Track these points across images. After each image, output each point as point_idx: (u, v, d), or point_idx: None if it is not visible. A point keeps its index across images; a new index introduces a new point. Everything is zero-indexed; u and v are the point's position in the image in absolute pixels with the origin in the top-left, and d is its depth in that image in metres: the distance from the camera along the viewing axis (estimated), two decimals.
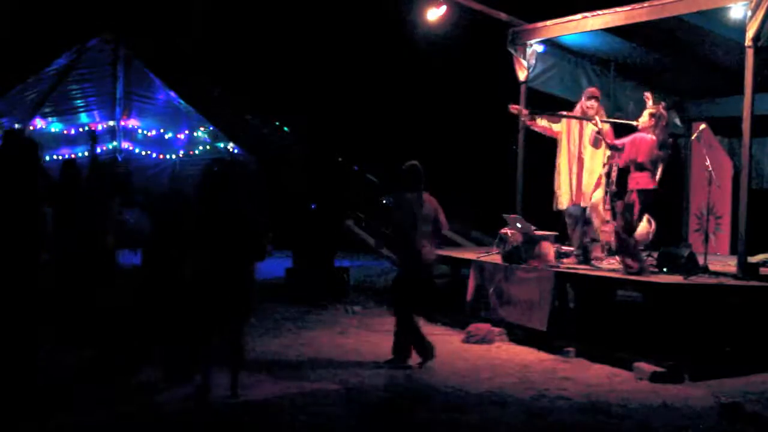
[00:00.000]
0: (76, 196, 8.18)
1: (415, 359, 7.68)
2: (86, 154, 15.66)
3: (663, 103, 8.54)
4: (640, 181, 8.20)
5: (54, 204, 7.75)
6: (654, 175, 8.34)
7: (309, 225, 12.48)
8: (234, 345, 6.59)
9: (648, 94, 8.68)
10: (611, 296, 9.31)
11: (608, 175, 9.08)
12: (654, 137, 8.20)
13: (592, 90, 9.52)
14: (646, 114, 8.37)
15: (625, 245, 8.29)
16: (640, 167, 8.20)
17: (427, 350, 7.63)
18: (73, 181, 8.32)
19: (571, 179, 9.49)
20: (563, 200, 9.59)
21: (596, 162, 9.33)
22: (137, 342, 7.26)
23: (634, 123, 8.58)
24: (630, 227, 8.24)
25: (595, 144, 9.25)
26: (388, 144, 18.87)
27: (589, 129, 9.31)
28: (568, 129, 9.57)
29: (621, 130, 9.26)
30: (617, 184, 9.01)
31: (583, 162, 9.42)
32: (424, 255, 7.62)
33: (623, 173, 8.94)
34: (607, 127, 9.17)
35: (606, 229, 9.24)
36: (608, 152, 9.16)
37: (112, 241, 8.06)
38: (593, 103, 9.32)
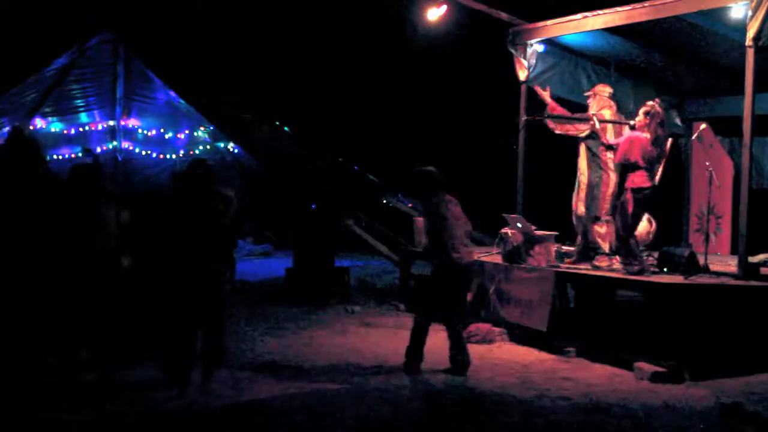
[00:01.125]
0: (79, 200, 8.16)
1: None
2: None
3: (657, 100, 8.53)
4: (635, 179, 8.20)
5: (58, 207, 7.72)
6: (651, 173, 8.33)
7: (309, 225, 12.47)
8: (212, 342, 6.62)
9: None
10: (612, 296, 9.31)
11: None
12: (648, 135, 8.20)
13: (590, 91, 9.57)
14: (641, 113, 8.37)
15: (624, 245, 8.29)
16: (634, 166, 8.21)
17: (415, 360, 7.45)
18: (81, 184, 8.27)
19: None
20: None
21: (593, 174, 9.32)
22: (134, 341, 7.27)
23: (631, 123, 8.58)
24: (627, 227, 8.23)
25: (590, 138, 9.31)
26: (388, 144, 18.89)
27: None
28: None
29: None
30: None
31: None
32: (460, 259, 7.36)
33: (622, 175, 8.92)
34: (609, 127, 9.16)
35: (608, 231, 9.23)
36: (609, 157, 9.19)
37: (114, 245, 8.04)
38: (588, 101, 9.37)
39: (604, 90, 9.40)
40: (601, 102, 9.25)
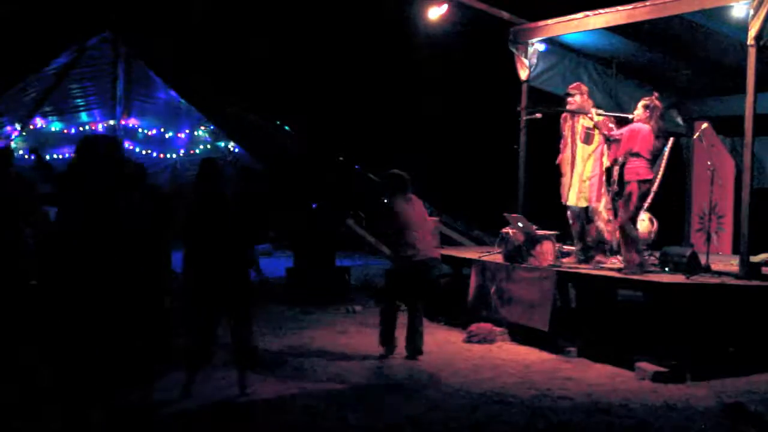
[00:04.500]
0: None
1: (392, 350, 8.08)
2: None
3: (656, 94, 8.53)
4: (639, 171, 8.19)
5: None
6: (651, 166, 8.33)
7: (309, 225, 12.45)
8: (241, 341, 6.58)
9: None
10: (613, 296, 9.29)
11: (609, 173, 9.05)
12: (650, 127, 8.22)
13: (570, 87, 9.44)
14: (640, 106, 8.37)
15: (627, 237, 8.25)
16: (638, 157, 8.20)
17: (388, 346, 8.07)
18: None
19: (566, 177, 9.43)
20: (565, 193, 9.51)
21: (587, 164, 9.24)
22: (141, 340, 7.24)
23: (630, 116, 8.57)
24: (629, 218, 8.23)
25: (586, 140, 9.21)
26: (389, 143, 18.86)
27: (579, 127, 9.23)
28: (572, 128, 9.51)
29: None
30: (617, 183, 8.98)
31: (575, 161, 9.35)
32: (415, 255, 7.95)
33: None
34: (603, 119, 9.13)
35: (609, 229, 9.21)
36: (605, 151, 9.13)
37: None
38: (573, 99, 9.22)
39: (585, 88, 9.34)
40: (587, 99, 9.21)
